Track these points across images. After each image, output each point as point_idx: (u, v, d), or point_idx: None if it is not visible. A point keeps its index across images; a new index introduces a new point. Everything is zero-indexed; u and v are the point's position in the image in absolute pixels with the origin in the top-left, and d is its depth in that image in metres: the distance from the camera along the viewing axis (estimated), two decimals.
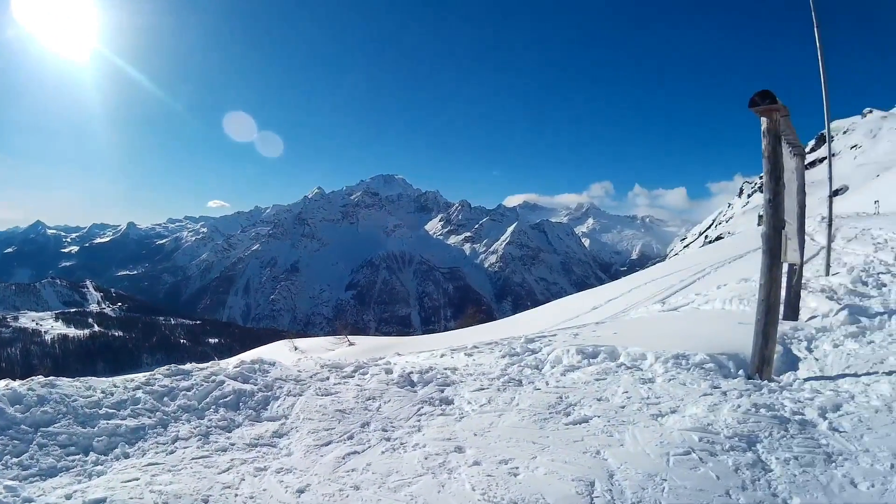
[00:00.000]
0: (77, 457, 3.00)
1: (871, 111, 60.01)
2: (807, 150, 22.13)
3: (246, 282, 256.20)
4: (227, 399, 3.91)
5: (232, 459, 3.12)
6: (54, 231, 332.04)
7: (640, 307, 9.90)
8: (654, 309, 8.70)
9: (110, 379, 3.98)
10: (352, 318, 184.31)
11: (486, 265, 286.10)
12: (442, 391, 4.34)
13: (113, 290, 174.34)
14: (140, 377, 4.03)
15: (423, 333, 37.19)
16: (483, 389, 4.34)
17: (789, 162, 5.32)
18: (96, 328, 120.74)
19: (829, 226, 8.68)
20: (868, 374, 4.16)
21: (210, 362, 4.60)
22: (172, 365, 4.33)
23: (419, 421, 3.76)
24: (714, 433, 3.21)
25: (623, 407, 3.78)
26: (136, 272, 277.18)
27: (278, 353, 15.64)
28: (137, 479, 2.78)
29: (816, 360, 4.74)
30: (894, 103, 60.46)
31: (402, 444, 3.38)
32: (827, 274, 8.18)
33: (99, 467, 2.94)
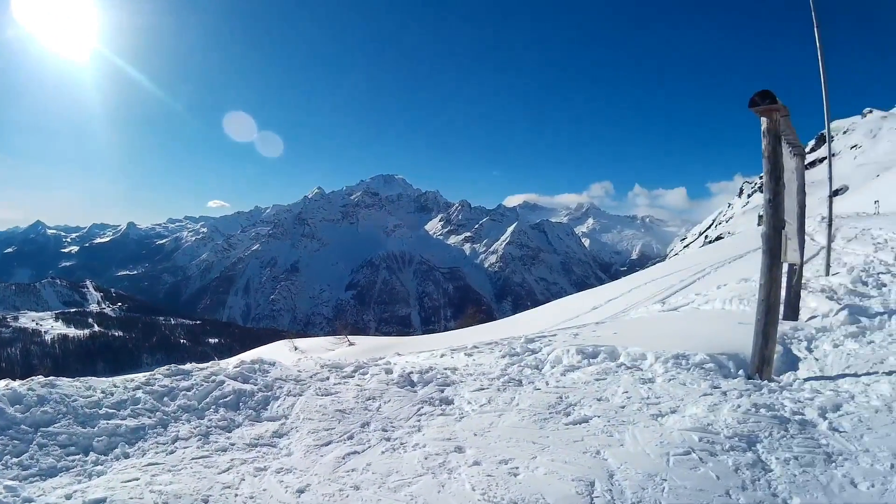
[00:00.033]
0: (77, 457, 3.00)
1: (871, 111, 59.99)
2: (807, 150, 22.15)
3: (246, 282, 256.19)
4: (227, 399, 3.91)
5: (232, 459, 3.12)
6: (54, 231, 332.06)
7: (640, 307, 9.90)
8: (654, 309, 8.70)
9: (110, 379, 3.98)
10: (352, 318, 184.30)
11: (486, 265, 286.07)
12: (442, 391, 4.34)
13: (113, 290, 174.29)
14: (140, 377, 4.03)
15: (423, 333, 37.18)
16: (483, 389, 4.34)
17: (789, 162, 5.32)
18: (96, 328, 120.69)
19: (829, 226, 8.68)
20: (868, 374, 4.16)
21: (210, 362, 4.60)
22: (172, 365, 4.33)
23: (419, 421, 3.76)
24: (714, 433, 3.21)
25: (623, 407, 3.78)
26: (136, 272, 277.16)
27: (278, 353, 15.64)
28: (137, 479, 2.78)
29: (816, 360, 4.74)
30: (894, 103, 60.56)
31: (402, 444, 3.38)
32: (827, 274, 8.18)
33: (99, 467, 2.94)
